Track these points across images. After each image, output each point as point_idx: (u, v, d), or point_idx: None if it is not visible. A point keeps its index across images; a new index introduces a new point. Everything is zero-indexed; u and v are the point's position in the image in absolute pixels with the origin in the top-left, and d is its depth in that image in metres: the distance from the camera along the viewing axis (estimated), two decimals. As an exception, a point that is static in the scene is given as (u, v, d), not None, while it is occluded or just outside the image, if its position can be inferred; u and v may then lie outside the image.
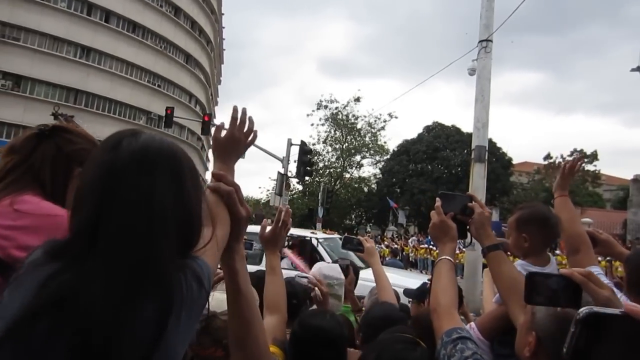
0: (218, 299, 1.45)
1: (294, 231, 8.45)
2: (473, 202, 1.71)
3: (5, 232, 1.19)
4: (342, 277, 2.57)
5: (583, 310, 0.69)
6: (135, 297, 0.79)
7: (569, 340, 0.68)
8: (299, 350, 1.69)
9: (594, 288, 1.05)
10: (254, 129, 1.29)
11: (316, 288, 2.30)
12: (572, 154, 38.62)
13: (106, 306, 0.77)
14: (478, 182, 9.49)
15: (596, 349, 0.66)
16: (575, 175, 2.16)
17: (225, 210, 1.13)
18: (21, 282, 0.83)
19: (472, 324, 1.82)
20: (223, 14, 58.54)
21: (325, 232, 10.72)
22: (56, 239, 0.88)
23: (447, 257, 1.59)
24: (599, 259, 7.41)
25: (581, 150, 38.26)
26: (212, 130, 1.29)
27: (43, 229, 1.15)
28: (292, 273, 3.07)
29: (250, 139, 1.29)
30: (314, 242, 8.30)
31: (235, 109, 1.27)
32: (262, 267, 2.15)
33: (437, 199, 1.71)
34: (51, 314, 0.76)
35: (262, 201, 40.63)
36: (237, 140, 1.26)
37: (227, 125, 1.27)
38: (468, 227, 1.70)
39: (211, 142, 1.28)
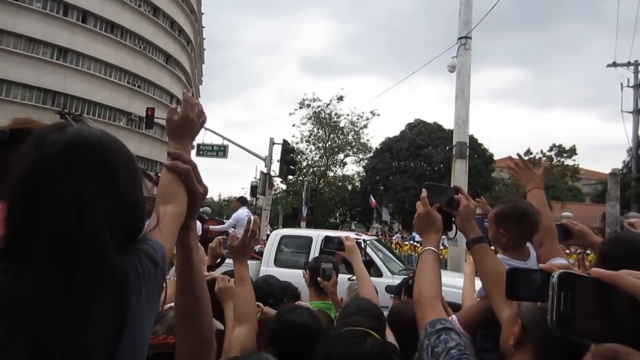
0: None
1: (331, 233, 7.37)
2: (459, 195, 1.71)
3: None
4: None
5: (556, 273, 0.70)
6: (80, 298, 0.79)
7: (550, 306, 0.68)
8: (279, 348, 1.67)
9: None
10: (203, 111, 1.34)
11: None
12: (551, 149, 39.37)
13: (49, 313, 0.76)
14: (460, 178, 9.59)
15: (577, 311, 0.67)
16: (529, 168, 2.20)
17: (182, 188, 1.15)
18: None
19: (454, 316, 1.81)
20: (203, 14, 58.01)
21: (360, 233, 10.10)
22: None
23: (432, 248, 1.59)
24: (568, 251, 7.58)
25: (560, 146, 39.01)
26: (167, 112, 1.32)
27: None
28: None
29: (201, 119, 1.33)
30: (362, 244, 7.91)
31: (185, 93, 1.34)
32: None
33: (423, 189, 1.70)
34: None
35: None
36: (191, 121, 1.30)
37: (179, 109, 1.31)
38: (453, 219, 1.70)
39: (167, 124, 1.31)
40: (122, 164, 0.93)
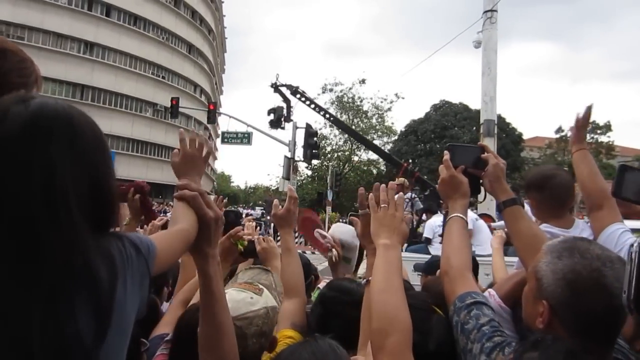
0: (234, 300, 1.40)
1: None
2: (486, 153, 1.55)
3: None
4: (356, 241, 2.51)
5: (636, 241, 0.59)
6: (51, 291, 0.74)
7: (627, 280, 0.56)
8: (327, 310, 1.64)
9: None
10: (204, 143, 1.35)
11: (334, 249, 2.26)
12: (583, 126, 38.00)
13: (14, 308, 0.72)
14: (487, 156, 9.35)
15: None
16: (588, 125, 1.95)
17: (191, 212, 1.14)
18: None
19: (492, 290, 1.68)
20: (223, 2, 58.10)
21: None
22: None
23: (459, 215, 1.45)
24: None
25: (593, 122, 37.67)
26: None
27: None
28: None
29: (204, 153, 1.34)
30: None
31: (181, 132, 1.35)
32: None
33: (446, 151, 1.55)
34: None
35: (272, 188, 40.66)
36: (191, 156, 1.31)
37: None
38: (481, 181, 1.55)
39: (172, 166, 1.34)
40: (93, 143, 0.86)
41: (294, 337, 1.52)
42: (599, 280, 0.95)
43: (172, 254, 1.05)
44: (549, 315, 1.00)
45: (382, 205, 1.40)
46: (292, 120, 16.03)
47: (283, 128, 17.08)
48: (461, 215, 1.45)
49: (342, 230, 2.54)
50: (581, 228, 1.69)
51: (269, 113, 14.22)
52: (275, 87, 11.60)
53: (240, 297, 1.46)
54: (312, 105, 10.51)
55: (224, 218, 1.27)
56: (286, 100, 12.19)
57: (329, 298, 1.67)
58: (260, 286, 1.57)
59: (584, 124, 1.91)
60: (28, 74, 1.20)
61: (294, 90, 11.06)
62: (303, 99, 10.74)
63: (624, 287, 0.60)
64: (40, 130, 0.78)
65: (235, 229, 2.03)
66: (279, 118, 12.81)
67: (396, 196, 1.45)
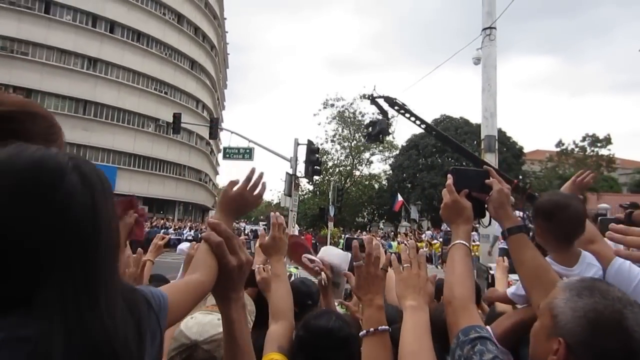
0: (200, 323, 1.37)
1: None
2: (491, 178, 1.50)
3: None
4: (345, 265, 2.50)
5: None
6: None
7: None
8: (308, 355, 1.60)
9: None
10: (263, 194, 1.34)
11: (322, 273, 2.25)
12: (584, 139, 38.06)
13: None
14: (489, 172, 9.32)
15: None
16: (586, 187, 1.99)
17: (213, 259, 1.12)
18: None
19: (488, 328, 1.66)
20: (226, 19, 58.74)
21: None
22: None
23: (462, 242, 1.40)
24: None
25: (593, 135, 37.67)
26: (226, 182, 1.35)
27: None
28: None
29: (256, 202, 1.33)
30: None
31: (252, 171, 1.32)
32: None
33: (449, 175, 1.50)
34: None
35: (274, 203, 40.64)
36: (245, 200, 1.31)
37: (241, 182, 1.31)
38: (486, 205, 1.49)
39: (221, 195, 1.32)
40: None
41: None
42: (621, 322, 0.93)
43: (185, 307, 1.03)
44: (565, 354, 0.97)
45: (405, 265, 1.39)
46: (390, 134, 15.28)
47: (382, 142, 16.35)
48: (464, 242, 1.41)
49: (331, 254, 2.51)
50: (587, 263, 1.58)
51: (367, 127, 13.20)
52: (372, 99, 10.92)
53: (207, 320, 1.44)
54: (413, 118, 9.76)
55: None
56: (383, 112, 11.59)
57: (309, 345, 1.61)
58: None
59: (579, 187, 1.97)
60: (54, 139, 1.23)
61: (393, 102, 10.08)
62: (402, 111, 9.82)
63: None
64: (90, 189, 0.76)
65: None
66: (379, 132, 12.03)
67: (419, 253, 1.44)
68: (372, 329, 1.37)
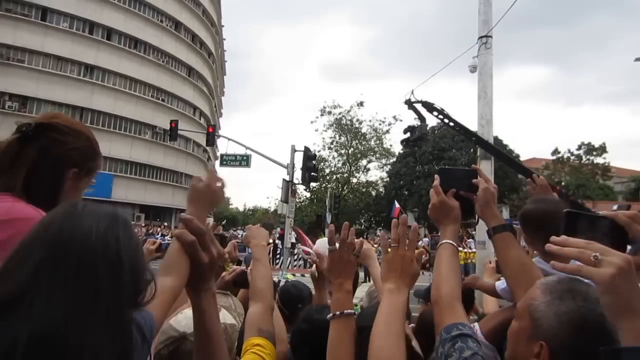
0: (189, 317, 1.36)
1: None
2: (478, 177, 1.51)
3: None
4: None
5: None
6: None
7: None
8: (308, 347, 1.59)
9: (638, 229, 1.01)
10: (225, 186, 1.41)
11: (314, 265, 2.24)
12: (579, 147, 38.30)
13: None
14: (485, 179, 9.32)
15: None
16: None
17: (185, 259, 1.14)
18: None
19: (476, 325, 1.64)
20: (223, 26, 59.03)
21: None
22: None
23: (449, 242, 1.41)
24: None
25: (589, 144, 37.90)
26: (193, 179, 1.40)
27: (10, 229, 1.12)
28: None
29: (222, 193, 1.40)
30: None
31: (212, 168, 1.36)
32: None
33: (436, 175, 1.52)
34: None
35: (271, 210, 40.61)
36: (213, 191, 1.36)
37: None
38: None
39: (190, 189, 1.37)
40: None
41: (262, 344, 1.47)
42: (604, 325, 0.94)
43: (161, 320, 1.07)
44: (548, 357, 0.97)
45: (393, 245, 1.38)
46: (428, 140, 14.88)
47: (419, 148, 16.03)
48: (451, 242, 1.42)
49: (326, 246, 2.51)
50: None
51: (405, 132, 12.83)
52: (410, 104, 10.57)
53: None
54: (452, 124, 9.43)
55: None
56: (421, 117, 11.30)
57: (314, 337, 1.58)
58: (218, 305, 1.55)
59: None
60: (91, 158, 1.42)
61: (431, 107, 9.67)
62: (441, 116, 9.45)
63: (585, 351, 0.63)
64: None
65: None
66: (418, 138, 11.71)
67: (411, 229, 1.43)
68: (338, 312, 1.38)
